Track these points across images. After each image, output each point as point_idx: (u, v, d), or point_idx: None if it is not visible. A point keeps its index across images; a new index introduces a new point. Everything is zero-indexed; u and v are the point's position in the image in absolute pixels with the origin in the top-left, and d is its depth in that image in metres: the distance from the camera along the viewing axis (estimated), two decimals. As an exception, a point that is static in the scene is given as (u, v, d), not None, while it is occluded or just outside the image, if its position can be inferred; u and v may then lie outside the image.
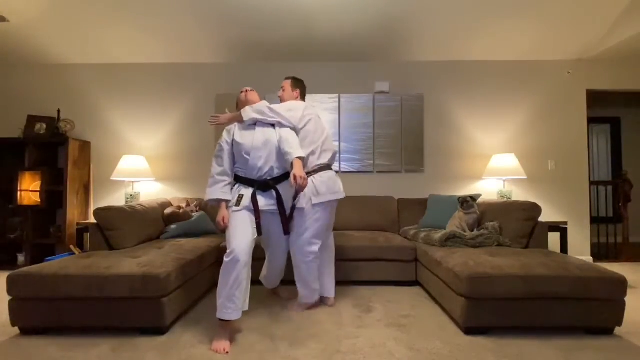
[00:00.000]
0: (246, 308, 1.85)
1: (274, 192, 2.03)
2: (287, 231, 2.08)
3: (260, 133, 2.05)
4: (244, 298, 1.82)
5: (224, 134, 2.10)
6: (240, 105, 2.23)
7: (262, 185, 2.02)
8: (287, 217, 2.07)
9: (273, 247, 2.21)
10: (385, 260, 2.82)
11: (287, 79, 2.37)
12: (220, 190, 1.98)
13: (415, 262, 2.82)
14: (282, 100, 2.34)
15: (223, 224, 1.92)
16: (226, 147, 2.05)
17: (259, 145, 2.01)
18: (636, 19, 3.04)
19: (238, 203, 1.96)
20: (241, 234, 1.85)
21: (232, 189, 2.05)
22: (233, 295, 1.76)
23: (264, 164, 2.01)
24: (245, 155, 2.00)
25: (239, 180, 2.06)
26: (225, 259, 1.78)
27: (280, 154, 2.02)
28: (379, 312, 2.23)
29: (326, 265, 2.37)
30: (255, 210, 1.96)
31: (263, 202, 2.01)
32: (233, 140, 2.06)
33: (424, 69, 3.83)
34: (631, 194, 4.11)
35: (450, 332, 1.94)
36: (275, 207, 2.03)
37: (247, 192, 2.00)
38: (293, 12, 3.06)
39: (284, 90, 2.34)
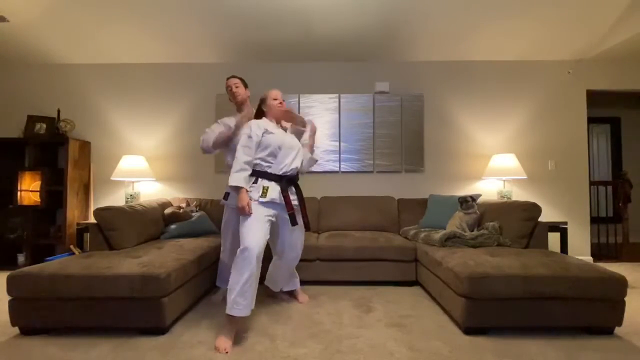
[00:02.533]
0: (252, 307, 1.85)
1: (294, 189, 2.17)
2: (308, 225, 2.24)
3: (290, 137, 2.20)
4: (253, 296, 1.84)
5: (254, 126, 2.08)
6: (269, 110, 2.22)
7: (289, 180, 2.12)
8: (306, 213, 2.24)
9: (293, 239, 2.24)
10: (385, 260, 2.82)
11: (234, 77, 2.44)
12: (244, 178, 1.99)
13: (415, 262, 2.82)
14: (239, 97, 2.41)
15: (248, 209, 1.92)
16: (256, 139, 2.05)
17: (293, 143, 2.15)
18: (636, 19, 3.03)
19: (264, 195, 2.00)
20: (257, 231, 1.90)
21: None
22: (246, 291, 1.78)
23: (292, 161, 2.11)
24: (277, 149, 2.07)
25: (260, 175, 2.07)
26: (240, 254, 1.81)
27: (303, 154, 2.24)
28: (379, 312, 2.23)
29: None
30: (288, 202, 2.05)
31: (291, 196, 2.11)
32: (264, 133, 2.07)
33: (424, 69, 3.83)
34: (631, 194, 4.11)
35: (450, 332, 1.94)
36: (297, 203, 2.16)
37: (272, 185, 2.04)
38: (293, 12, 3.06)
39: (237, 87, 2.41)
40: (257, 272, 1.84)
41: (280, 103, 2.23)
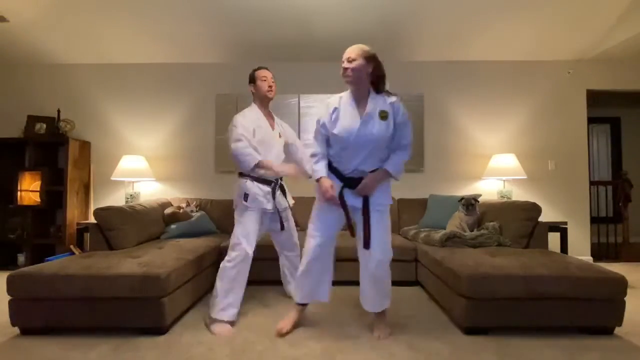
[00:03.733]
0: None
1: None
2: (368, 243, 1.82)
3: (374, 125, 1.77)
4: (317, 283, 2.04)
5: (324, 112, 1.88)
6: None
7: (352, 182, 1.84)
8: (369, 222, 1.82)
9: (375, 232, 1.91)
10: (385, 260, 2.81)
11: (268, 69, 2.30)
12: (325, 167, 1.84)
13: (415, 262, 2.82)
14: (273, 94, 2.30)
15: (331, 192, 1.78)
16: (324, 132, 1.86)
17: (364, 142, 1.78)
18: (636, 19, 3.04)
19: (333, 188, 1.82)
20: (325, 228, 1.91)
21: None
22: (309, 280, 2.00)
23: (362, 162, 1.82)
24: (341, 150, 1.83)
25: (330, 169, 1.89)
26: (314, 245, 1.90)
27: (382, 149, 1.84)
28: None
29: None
30: (346, 212, 1.83)
31: (351, 199, 1.85)
32: (330, 129, 1.82)
33: (424, 69, 3.82)
34: (631, 194, 4.11)
35: (450, 332, 1.94)
36: (359, 206, 1.84)
37: (335, 184, 1.84)
38: (293, 12, 3.06)
39: (274, 82, 2.31)
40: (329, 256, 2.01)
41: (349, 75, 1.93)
